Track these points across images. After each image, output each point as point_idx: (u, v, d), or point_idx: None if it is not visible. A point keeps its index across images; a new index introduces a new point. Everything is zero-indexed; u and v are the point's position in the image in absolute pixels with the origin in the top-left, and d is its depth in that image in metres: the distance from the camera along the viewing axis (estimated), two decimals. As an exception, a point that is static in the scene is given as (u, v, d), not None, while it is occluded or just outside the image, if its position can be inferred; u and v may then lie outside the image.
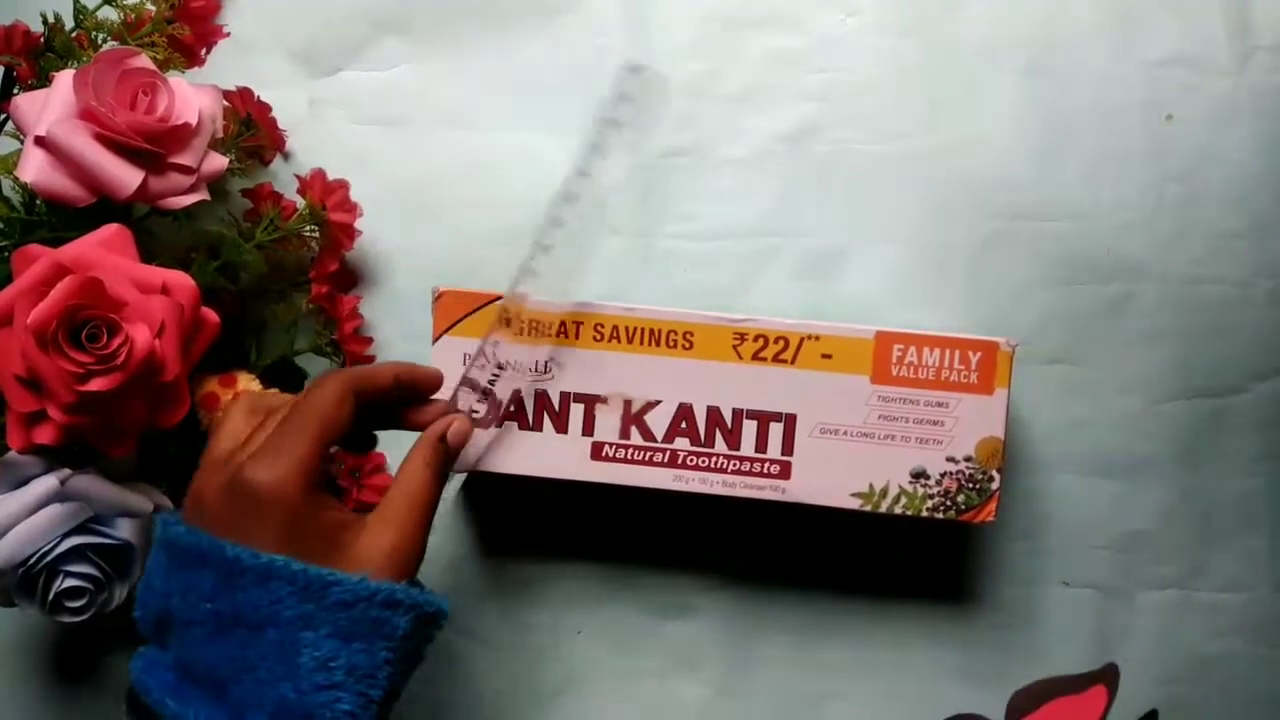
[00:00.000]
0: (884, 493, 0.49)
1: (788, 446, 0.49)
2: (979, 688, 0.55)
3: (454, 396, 0.47)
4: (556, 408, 0.50)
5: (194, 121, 0.47)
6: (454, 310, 0.50)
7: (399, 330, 0.55)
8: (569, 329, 0.50)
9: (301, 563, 0.38)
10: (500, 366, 0.49)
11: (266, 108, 0.53)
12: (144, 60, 0.47)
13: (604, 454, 0.50)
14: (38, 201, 0.48)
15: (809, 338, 0.49)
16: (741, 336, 0.49)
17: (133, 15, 0.50)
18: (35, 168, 0.45)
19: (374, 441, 0.48)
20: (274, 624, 0.38)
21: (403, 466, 0.43)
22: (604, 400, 0.50)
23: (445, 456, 0.44)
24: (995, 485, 0.49)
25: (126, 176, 0.45)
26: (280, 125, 0.54)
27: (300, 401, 0.41)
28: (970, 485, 0.49)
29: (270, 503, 0.39)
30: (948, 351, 0.49)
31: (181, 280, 0.46)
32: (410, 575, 0.41)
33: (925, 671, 0.55)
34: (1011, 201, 0.55)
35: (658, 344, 0.50)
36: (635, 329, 0.50)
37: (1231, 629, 0.55)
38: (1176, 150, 0.55)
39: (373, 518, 0.41)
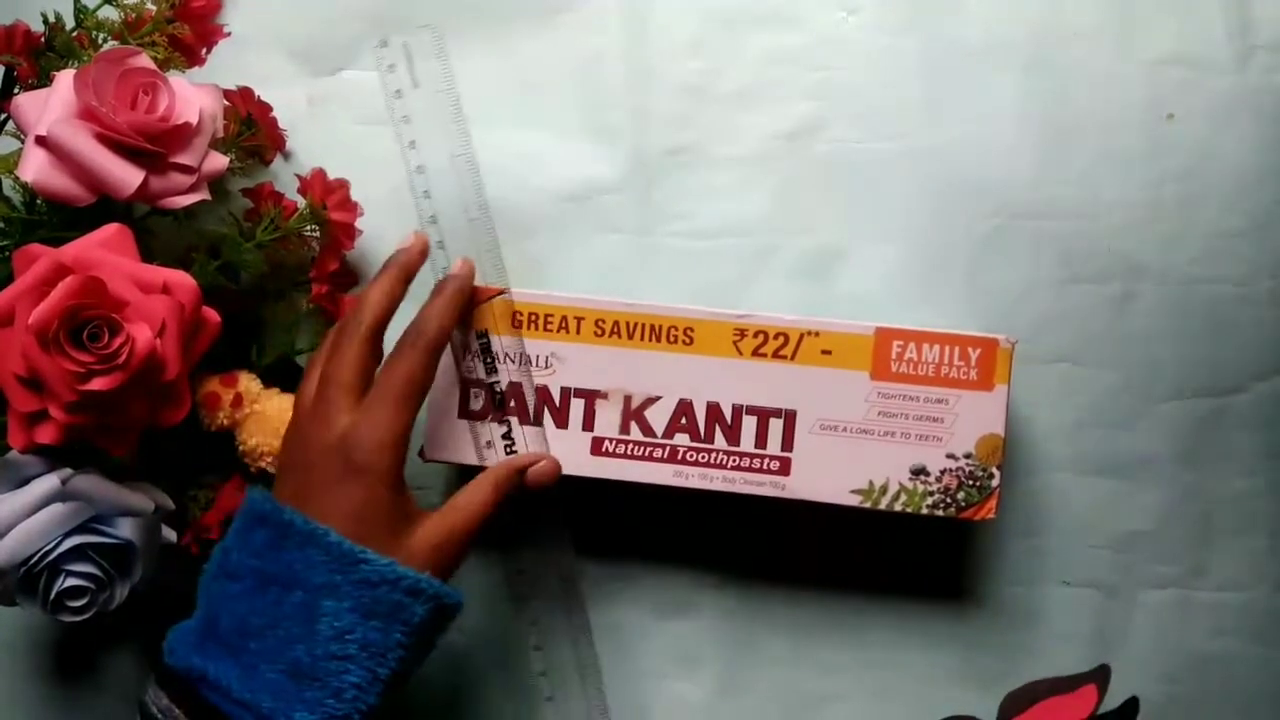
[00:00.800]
0: (884, 489, 0.49)
1: (787, 443, 0.49)
2: (979, 687, 0.55)
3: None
4: (557, 402, 0.50)
5: (194, 121, 0.47)
6: (454, 309, 0.50)
7: (399, 328, 0.55)
8: (570, 323, 0.50)
9: (339, 536, 0.41)
10: (499, 360, 0.49)
11: (267, 107, 0.53)
12: (144, 60, 0.47)
13: (604, 449, 0.50)
14: (39, 201, 0.48)
15: (809, 334, 0.49)
16: (742, 332, 0.49)
17: (133, 15, 0.50)
18: (36, 167, 0.45)
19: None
20: (302, 587, 0.41)
21: (477, 478, 0.47)
22: (604, 395, 0.50)
23: (516, 487, 0.48)
24: (995, 482, 0.49)
25: (127, 176, 0.45)
26: (281, 125, 0.54)
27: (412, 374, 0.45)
28: (970, 482, 0.49)
29: (369, 480, 0.43)
30: (947, 348, 0.49)
31: (182, 280, 0.46)
32: (445, 577, 0.44)
33: (925, 670, 0.55)
34: (1011, 200, 0.55)
35: (658, 339, 0.50)
36: (636, 324, 0.50)
37: (1231, 628, 0.55)
38: (1176, 149, 0.55)
39: (432, 517, 0.45)
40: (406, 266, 0.49)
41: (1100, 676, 0.54)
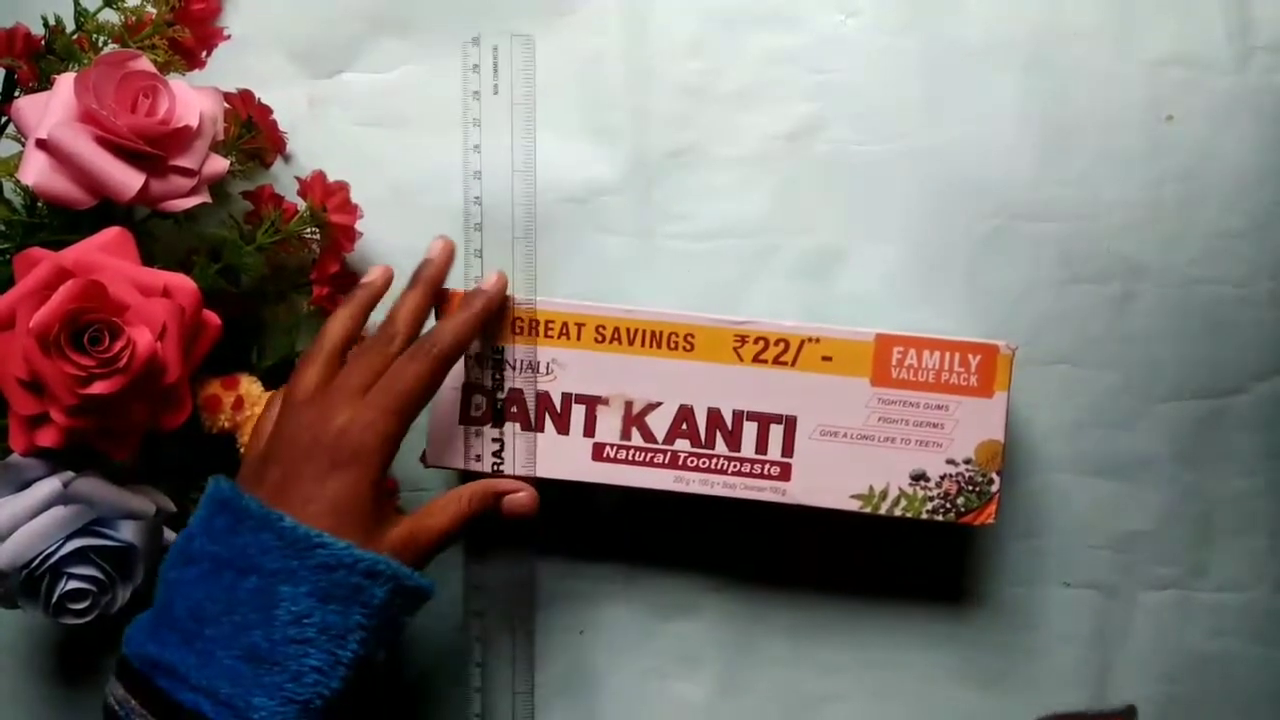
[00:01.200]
0: (884, 495, 0.49)
1: (788, 448, 0.49)
2: (979, 688, 0.55)
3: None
4: (558, 409, 0.50)
5: (195, 124, 0.47)
6: (456, 311, 0.50)
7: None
8: (571, 330, 0.50)
9: (294, 521, 0.42)
10: (505, 367, 0.49)
11: (267, 110, 0.53)
12: (145, 63, 0.47)
13: (605, 455, 0.50)
14: (39, 204, 0.48)
15: (809, 340, 0.49)
16: (742, 339, 0.49)
17: (133, 18, 0.50)
18: (36, 170, 0.45)
19: None
20: (258, 572, 0.41)
21: (455, 490, 0.47)
22: (605, 401, 0.50)
23: (491, 509, 0.48)
24: (995, 488, 0.49)
25: (128, 179, 0.45)
26: (281, 127, 0.54)
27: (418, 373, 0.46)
28: (970, 488, 0.49)
29: (354, 475, 0.43)
30: (947, 354, 0.49)
31: (183, 283, 0.46)
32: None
33: (925, 672, 0.55)
34: (1011, 201, 0.55)
35: (659, 345, 0.50)
36: (636, 330, 0.50)
37: (1232, 629, 0.55)
38: (1176, 150, 0.55)
39: (404, 520, 0.46)
40: (436, 280, 0.49)
41: (1128, 715, 0.54)
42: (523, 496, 0.48)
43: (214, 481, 0.44)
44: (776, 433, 0.49)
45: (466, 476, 0.55)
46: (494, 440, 0.50)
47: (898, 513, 0.49)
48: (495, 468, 0.50)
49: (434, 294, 0.49)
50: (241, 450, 0.50)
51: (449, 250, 0.50)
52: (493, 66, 0.51)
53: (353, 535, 0.43)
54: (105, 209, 0.47)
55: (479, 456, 0.50)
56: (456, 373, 0.50)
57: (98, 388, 0.43)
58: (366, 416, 0.44)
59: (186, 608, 0.42)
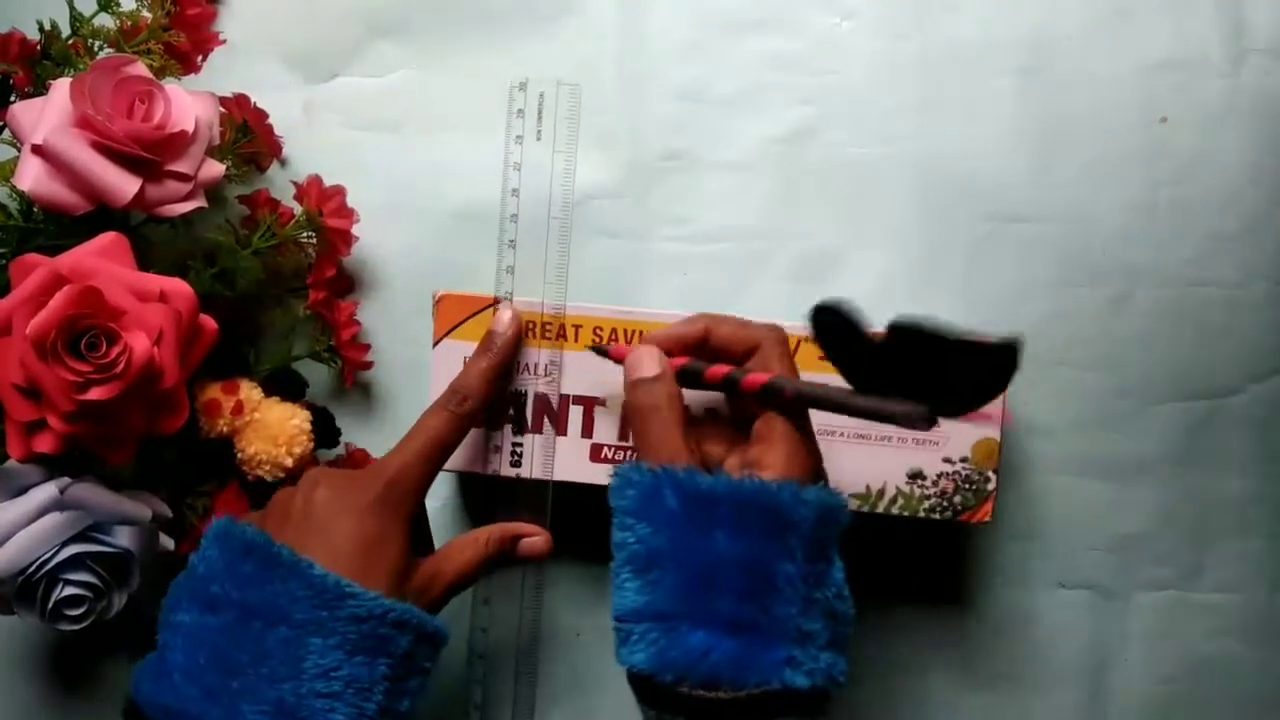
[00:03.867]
0: (881, 493, 0.49)
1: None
2: (976, 688, 0.55)
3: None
4: (556, 410, 0.50)
5: (190, 129, 0.47)
6: (454, 314, 0.50)
7: (397, 335, 0.56)
8: (568, 332, 0.50)
9: (324, 570, 0.40)
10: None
11: (263, 114, 0.53)
12: (140, 68, 0.47)
13: (603, 456, 0.50)
14: (35, 209, 0.48)
15: (806, 339, 0.49)
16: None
17: (129, 22, 0.50)
18: (32, 176, 0.45)
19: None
20: (287, 623, 0.40)
21: (473, 533, 0.47)
22: (603, 402, 0.50)
23: (505, 555, 0.47)
24: (992, 486, 0.49)
25: (124, 184, 0.45)
26: (277, 131, 0.54)
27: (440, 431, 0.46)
28: (967, 486, 0.49)
29: (383, 515, 0.43)
30: (944, 354, 0.49)
31: (179, 288, 0.46)
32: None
33: (922, 672, 0.55)
34: (1007, 203, 0.55)
35: (656, 347, 0.50)
36: (633, 332, 0.50)
37: (1227, 629, 0.55)
38: (1171, 152, 0.55)
39: (426, 562, 0.45)
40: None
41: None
42: (539, 541, 0.48)
43: (231, 523, 0.43)
44: (774, 434, 0.49)
45: (464, 478, 0.55)
46: (513, 444, 0.50)
47: (895, 511, 0.49)
48: (514, 470, 0.50)
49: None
50: (239, 453, 0.50)
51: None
52: (537, 112, 0.52)
53: (380, 579, 0.42)
54: (101, 214, 0.47)
55: (497, 447, 0.50)
56: (454, 375, 0.50)
57: (95, 393, 0.43)
58: (395, 462, 0.44)
59: (210, 658, 0.40)
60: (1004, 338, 0.36)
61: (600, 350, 0.48)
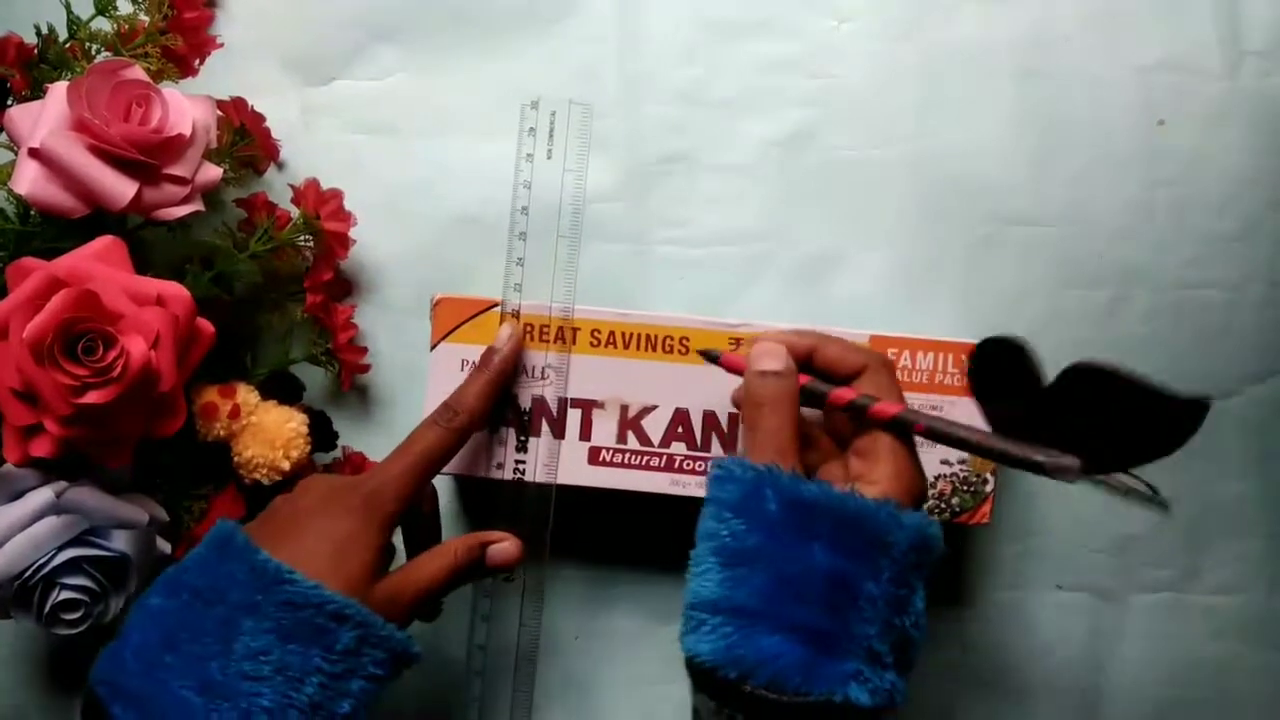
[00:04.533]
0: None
1: (784, 452, 0.49)
2: (974, 689, 0.55)
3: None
4: (554, 413, 0.50)
5: (188, 132, 0.47)
6: (452, 317, 0.50)
7: (394, 339, 0.55)
8: (566, 334, 0.50)
9: (268, 555, 0.41)
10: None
11: (260, 117, 0.53)
12: (138, 71, 0.47)
13: (601, 459, 0.50)
14: (32, 213, 0.48)
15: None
16: (737, 342, 0.50)
17: (126, 26, 0.50)
18: (30, 180, 0.45)
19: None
20: (223, 602, 0.40)
21: (443, 544, 0.46)
22: (601, 405, 0.50)
23: (476, 562, 0.46)
24: (990, 488, 0.49)
25: (121, 188, 0.45)
26: (274, 135, 0.54)
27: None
28: (965, 488, 0.49)
29: (362, 519, 0.43)
30: (941, 355, 0.49)
31: (176, 291, 0.46)
32: (393, 621, 0.43)
33: (921, 673, 0.55)
34: (1004, 206, 0.55)
35: (654, 349, 0.50)
36: (631, 334, 0.50)
37: (1225, 631, 0.56)
38: (1168, 155, 0.55)
39: (395, 572, 0.44)
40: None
41: None
42: (509, 546, 0.47)
43: (226, 524, 0.43)
44: (772, 437, 0.49)
45: (461, 481, 0.55)
46: (517, 449, 0.50)
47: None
48: (517, 475, 0.50)
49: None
50: (236, 457, 0.50)
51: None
52: (549, 131, 0.52)
53: (341, 580, 0.41)
54: (98, 218, 0.47)
55: (500, 464, 0.50)
56: (451, 379, 0.50)
57: (92, 397, 0.43)
58: (383, 472, 0.45)
59: (159, 636, 0.40)
60: (1197, 394, 0.36)
61: (711, 356, 0.47)
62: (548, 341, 0.50)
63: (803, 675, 0.38)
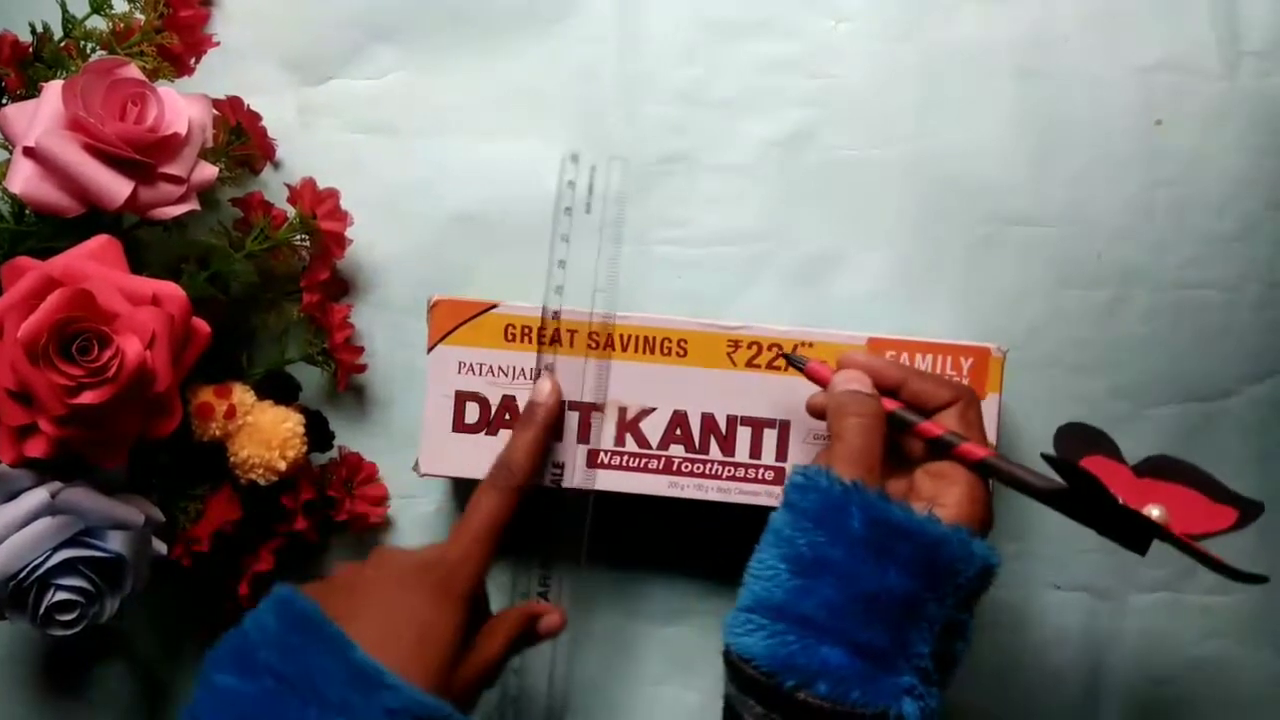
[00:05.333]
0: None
1: (782, 453, 0.49)
2: (973, 689, 0.55)
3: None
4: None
5: (184, 131, 0.47)
6: (449, 319, 0.50)
7: (390, 338, 0.55)
8: (563, 336, 0.50)
9: (366, 653, 0.39)
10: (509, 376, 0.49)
11: (256, 116, 0.53)
12: (133, 70, 0.47)
13: (600, 461, 0.50)
14: (27, 212, 0.48)
15: (803, 345, 0.49)
16: (735, 344, 0.49)
17: (121, 24, 0.50)
18: (24, 178, 0.45)
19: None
20: (320, 702, 0.38)
21: (497, 620, 0.46)
22: (599, 408, 0.50)
23: (527, 634, 0.47)
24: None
25: (116, 187, 0.45)
26: (270, 134, 0.54)
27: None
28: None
29: (444, 604, 0.43)
30: (940, 357, 0.49)
31: (172, 291, 0.46)
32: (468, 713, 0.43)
33: (920, 676, 0.55)
34: (1003, 206, 0.55)
35: (652, 351, 0.50)
36: (630, 337, 0.50)
37: (1221, 631, 0.56)
38: (1167, 155, 0.55)
39: (471, 652, 0.44)
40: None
41: (1250, 511, 0.44)
42: (555, 618, 0.48)
43: (299, 599, 0.42)
44: (770, 437, 0.49)
45: (459, 483, 0.55)
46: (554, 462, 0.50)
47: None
48: (553, 481, 0.50)
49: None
50: (232, 457, 0.50)
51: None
52: (588, 186, 0.52)
53: (426, 669, 0.41)
54: (93, 217, 0.46)
55: (560, 467, 0.50)
56: (449, 380, 0.50)
57: (87, 397, 0.43)
58: (454, 550, 0.44)
59: None
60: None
61: (795, 361, 0.48)
62: (546, 343, 0.50)
63: (862, 689, 0.39)
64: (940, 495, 0.42)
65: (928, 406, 0.45)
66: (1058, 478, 0.43)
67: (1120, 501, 0.41)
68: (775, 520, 0.42)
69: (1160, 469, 0.45)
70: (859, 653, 0.39)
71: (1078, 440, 0.45)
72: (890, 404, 0.45)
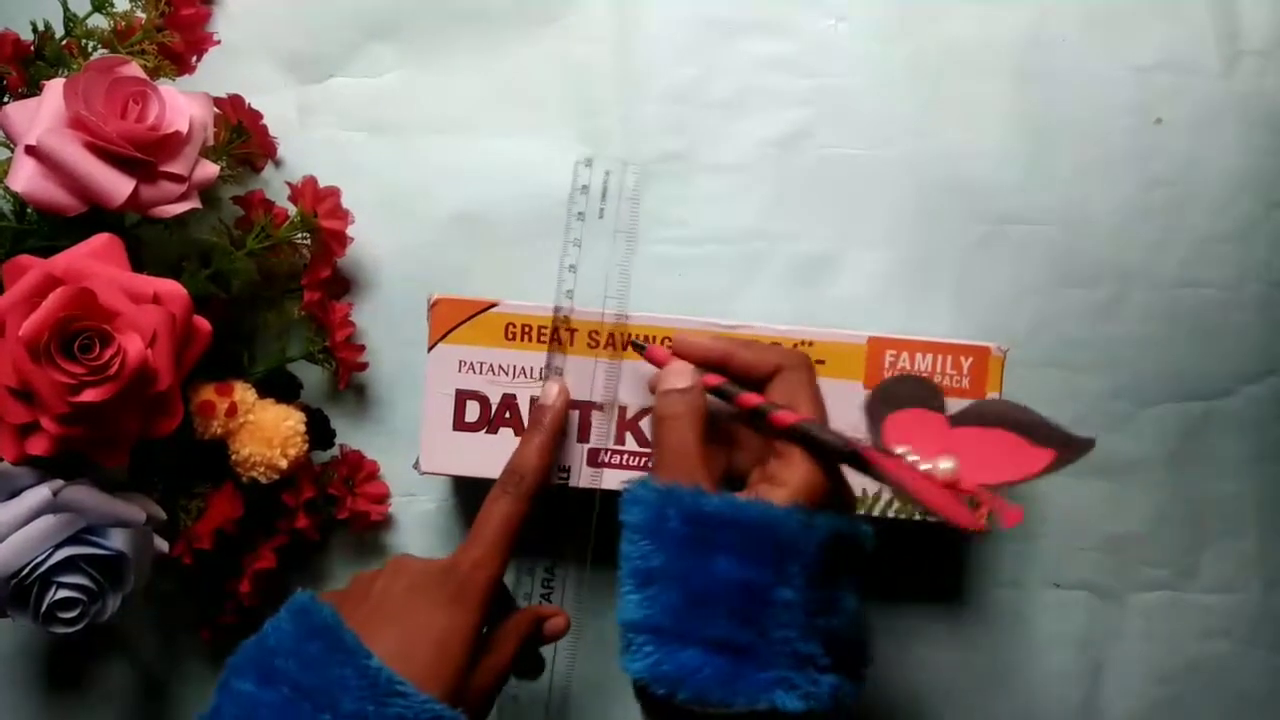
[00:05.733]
0: (878, 497, 0.49)
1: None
2: (972, 688, 0.55)
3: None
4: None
5: (185, 129, 0.47)
6: (449, 318, 0.50)
7: (390, 337, 0.55)
8: (563, 336, 0.50)
9: (381, 661, 0.40)
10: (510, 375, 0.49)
11: (258, 115, 0.53)
12: (134, 68, 0.47)
13: (600, 460, 0.50)
14: (28, 211, 0.48)
15: (802, 344, 0.49)
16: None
17: (123, 23, 0.50)
18: (26, 177, 0.45)
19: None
20: (334, 710, 0.39)
21: (507, 627, 0.46)
22: (599, 407, 0.50)
23: (534, 638, 0.47)
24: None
25: (118, 185, 0.45)
26: (271, 132, 0.54)
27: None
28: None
29: (460, 611, 0.43)
30: (939, 357, 0.49)
31: (173, 289, 0.46)
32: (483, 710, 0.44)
33: (919, 672, 0.55)
34: (1001, 205, 0.55)
35: (651, 350, 0.50)
36: (629, 336, 0.50)
37: (1221, 630, 0.56)
38: (1165, 154, 0.55)
39: (483, 659, 0.44)
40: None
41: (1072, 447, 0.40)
42: (559, 621, 0.48)
43: (318, 606, 0.42)
44: (770, 437, 0.49)
45: (460, 481, 0.55)
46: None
47: (892, 514, 0.49)
48: (560, 483, 0.50)
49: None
50: (233, 455, 0.50)
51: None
52: (601, 191, 0.52)
53: (442, 678, 0.41)
54: (95, 215, 0.46)
55: (566, 469, 0.50)
56: (449, 379, 0.50)
57: (88, 396, 0.43)
58: (469, 557, 0.44)
59: None
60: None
61: (639, 347, 0.48)
62: (545, 342, 0.50)
63: (724, 687, 0.38)
64: (779, 474, 0.41)
65: (756, 378, 0.44)
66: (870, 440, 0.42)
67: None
68: (620, 541, 0.42)
69: (981, 416, 0.42)
70: (718, 650, 0.39)
71: (901, 397, 0.43)
72: (713, 380, 0.44)
